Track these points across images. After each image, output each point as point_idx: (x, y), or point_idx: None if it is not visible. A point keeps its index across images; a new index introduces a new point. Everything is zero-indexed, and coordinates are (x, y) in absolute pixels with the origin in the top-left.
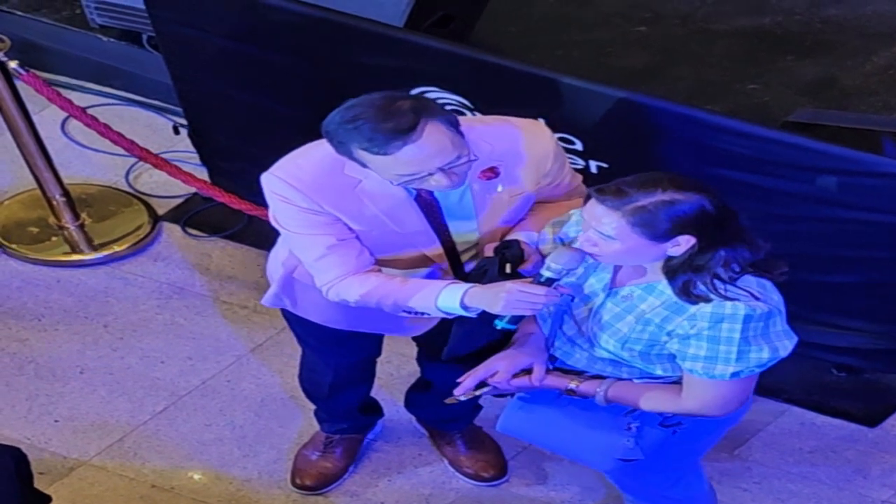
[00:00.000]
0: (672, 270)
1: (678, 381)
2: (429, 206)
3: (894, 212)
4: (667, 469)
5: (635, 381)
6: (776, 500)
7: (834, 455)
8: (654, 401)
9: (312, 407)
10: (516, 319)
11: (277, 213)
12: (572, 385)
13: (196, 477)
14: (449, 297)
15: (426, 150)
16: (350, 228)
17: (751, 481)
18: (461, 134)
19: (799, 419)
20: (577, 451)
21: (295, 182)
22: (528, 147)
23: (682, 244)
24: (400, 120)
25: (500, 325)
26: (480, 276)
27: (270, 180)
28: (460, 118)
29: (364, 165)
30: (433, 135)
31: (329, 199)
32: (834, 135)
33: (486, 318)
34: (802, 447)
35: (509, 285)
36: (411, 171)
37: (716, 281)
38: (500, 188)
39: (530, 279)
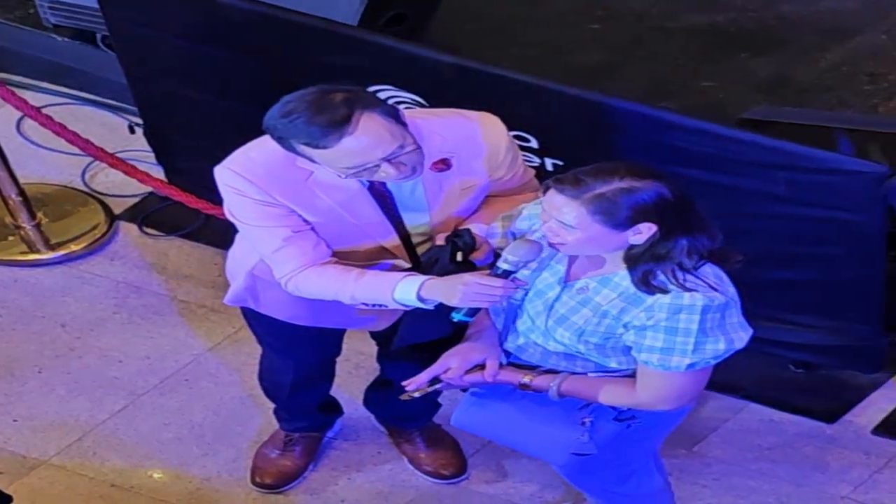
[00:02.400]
0: (633, 259)
1: (632, 375)
2: (382, 197)
3: (849, 209)
4: (620, 464)
5: (589, 375)
6: (735, 496)
7: (793, 451)
8: (608, 394)
9: (271, 405)
10: (473, 312)
11: (232, 206)
12: (526, 380)
13: (155, 476)
14: (406, 289)
15: (364, 141)
16: (305, 220)
17: (710, 478)
18: (402, 124)
19: (757, 416)
20: (532, 445)
21: (248, 174)
22: (480, 139)
23: (644, 232)
24: (333, 113)
25: (456, 317)
26: (432, 264)
27: (223, 173)
28: (412, 110)
29: (311, 160)
30: (369, 126)
31: (283, 191)
32: (789, 132)
33: (438, 308)
34: (761, 443)
35: (467, 278)
36: (355, 162)
37: (676, 271)
38: (452, 180)
39: (487, 272)
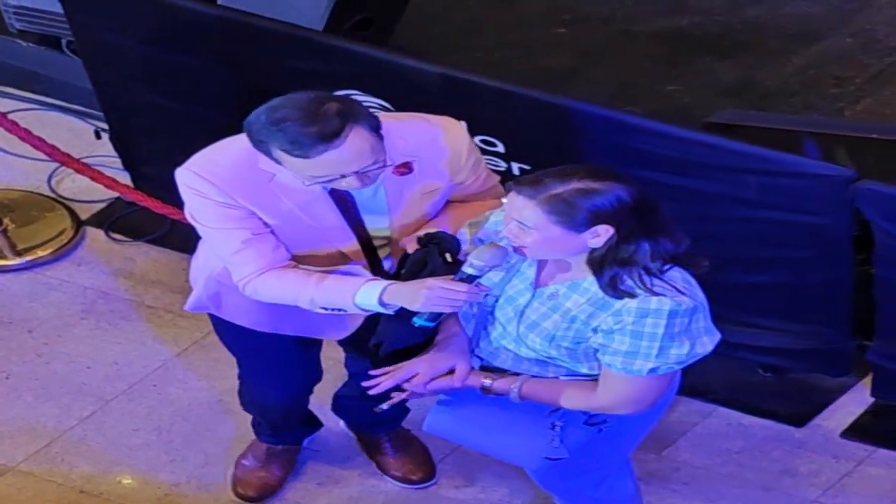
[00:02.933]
0: (598, 264)
1: (592, 378)
2: (343, 201)
3: (816, 212)
4: (592, 468)
5: (554, 378)
6: (705, 500)
7: (761, 455)
8: (568, 397)
9: (239, 411)
10: (435, 317)
11: (192, 208)
12: (486, 382)
13: (124, 482)
14: (367, 294)
15: (345, 155)
16: (265, 223)
17: (679, 482)
18: (381, 137)
19: (726, 420)
20: (505, 450)
21: (209, 176)
22: (442, 143)
23: (602, 234)
24: (326, 125)
25: (418, 322)
26: (419, 269)
27: (184, 175)
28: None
29: (278, 163)
30: (356, 141)
31: (243, 193)
32: (755, 136)
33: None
34: (730, 447)
35: (430, 282)
36: (326, 173)
37: (643, 275)
38: (414, 184)
39: (451, 276)
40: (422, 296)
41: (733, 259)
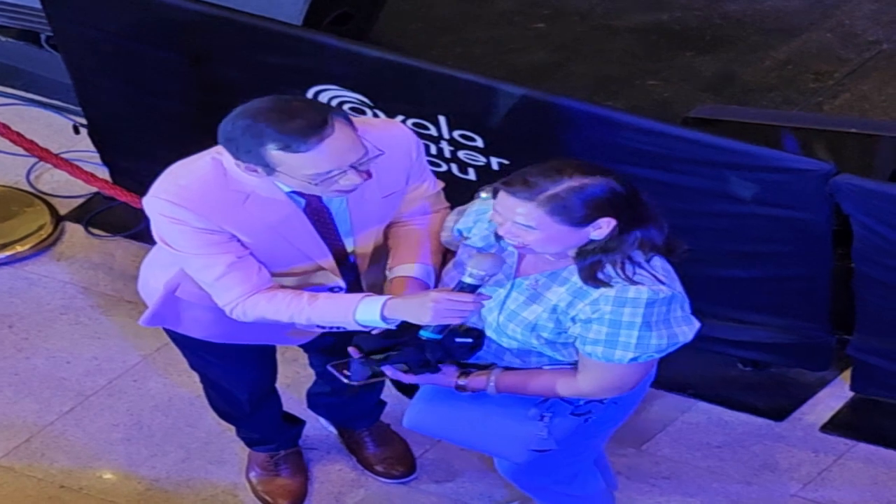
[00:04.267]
0: (583, 252)
1: (573, 365)
2: (318, 214)
3: (795, 207)
4: (570, 462)
5: (532, 368)
6: (684, 494)
7: (742, 449)
8: (547, 386)
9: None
10: (442, 329)
11: (169, 236)
12: (460, 382)
13: (105, 477)
14: (367, 310)
15: (342, 144)
16: (244, 245)
17: (659, 476)
18: (356, 129)
19: (706, 414)
20: (490, 443)
21: (184, 202)
22: (392, 145)
23: (604, 227)
24: (309, 117)
25: (425, 334)
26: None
27: (157, 204)
28: None
29: (272, 168)
30: (343, 130)
31: (221, 216)
32: (734, 130)
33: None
34: (710, 442)
35: (434, 295)
36: (329, 167)
37: (626, 263)
38: (374, 188)
39: (451, 287)
40: (429, 309)
41: (713, 253)
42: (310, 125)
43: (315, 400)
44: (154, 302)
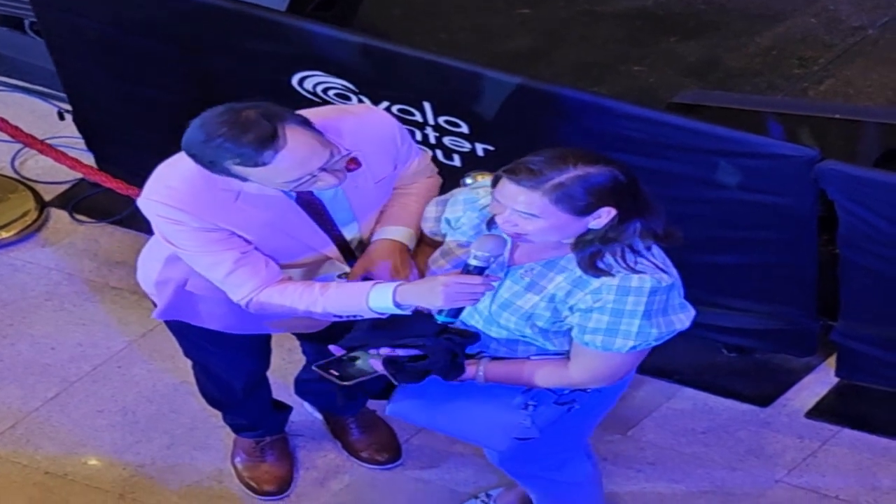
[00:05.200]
0: (582, 242)
1: (564, 355)
2: (312, 206)
3: (780, 193)
4: (557, 449)
5: (520, 358)
6: (670, 480)
7: (727, 435)
8: (537, 376)
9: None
10: (456, 312)
11: (172, 237)
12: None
13: (90, 463)
14: (380, 297)
15: (299, 153)
16: (247, 240)
17: (644, 462)
18: (320, 132)
19: (691, 400)
20: (473, 432)
21: (177, 204)
22: (376, 133)
23: (604, 216)
24: (258, 130)
25: (440, 319)
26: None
27: (151, 206)
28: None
29: (245, 179)
30: (297, 137)
31: (216, 215)
32: (719, 116)
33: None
34: (695, 427)
35: (443, 279)
36: (295, 176)
37: (626, 252)
38: (366, 176)
39: (459, 271)
40: (440, 293)
41: (697, 239)
42: (260, 139)
43: (303, 386)
44: (164, 297)
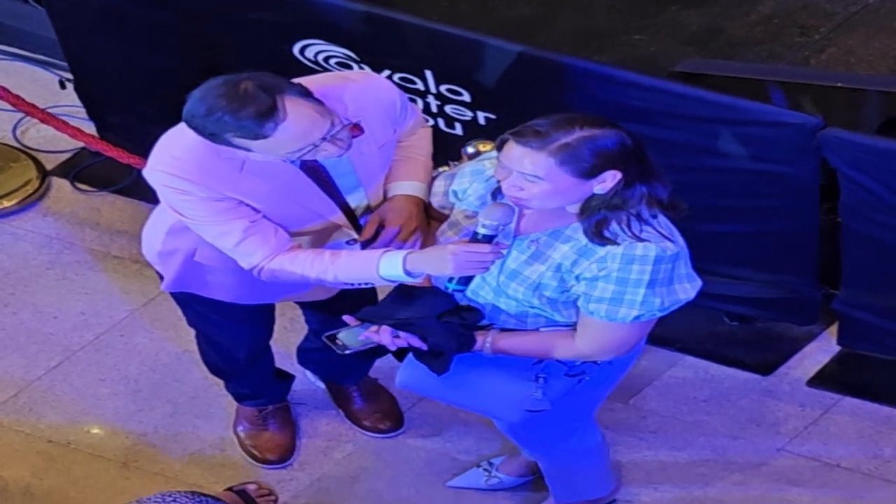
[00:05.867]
0: (588, 209)
1: (569, 326)
2: (316, 173)
3: (782, 161)
4: (566, 419)
5: (528, 329)
6: (672, 448)
7: (728, 403)
8: (544, 347)
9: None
10: (466, 280)
11: (179, 207)
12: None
13: (92, 431)
14: (390, 265)
15: (300, 125)
16: (254, 209)
17: (646, 430)
18: (320, 101)
19: (693, 368)
20: (483, 404)
21: (183, 174)
22: (375, 98)
23: (609, 180)
24: (257, 103)
25: (451, 287)
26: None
27: (157, 176)
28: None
29: (248, 150)
30: (297, 109)
31: (222, 185)
32: (720, 84)
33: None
34: (697, 396)
35: (452, 247)
36: (297, 146)
37: (632, 220)
38: (369, 142)
39: (467, 240)
40: (450, 262)
41: (699, 208)
42: (260, 112)
43: (306, 355)
44: (172, 268)
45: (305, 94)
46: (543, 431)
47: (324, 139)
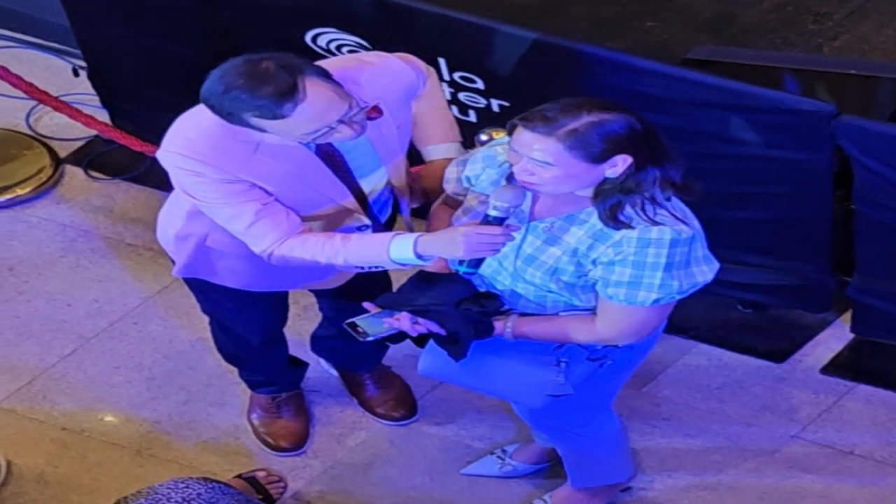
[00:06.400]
0: (601, 192)
1: (591, 311)
2: (331, 157)
3: (795, 148)
4: (587, 405)
5: (548, 314)
6: (685, 436)
7: (742, 391)
8: (564, 332)
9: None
10: (477, 263)
11: (190, 189)
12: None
13: (106, 419)
14: (401, 248)
15: (318, 106)
16: (267, 192)
17: (660, 418)
18: (339, 83)
19: (706, 356)
20: (506, 389)
21: (197, 155)
22: (394, 80)
23: (620, 164)
24: (278, 82)
25: (461, 269)
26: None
27: (170, 158)
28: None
29: (263, 130)
30: (317, 90)
31: (235, 167)
32: (734, 72)
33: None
34: (710, 384)
35: (463, 229)
36: (313, 128)
37: (646, 204)
38: (389, 123)
39: (478, 222)
40: (460, 244)
41: (713, 195)
42: (280, 91)
43: (320, 343)
44: (184, 253)
45: (325, 75)
46: (564, 417)
47: (340, 121)
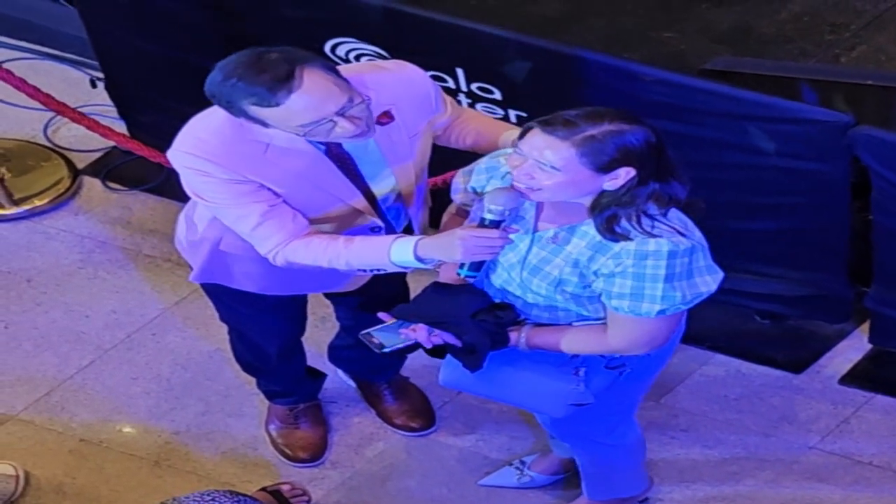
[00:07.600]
0: (598, 205)
1: (602, 321)
2: (342, 161)
3: (813, 158)
4: (609, 413)
5: (561, 324)
6: (703, 447)
7: (760, 402)
8: (577, 343)
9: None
10: (477, 266)
11: (199, 189)
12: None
13: (124, 430)
14: (401, 251)
15: (315, 95)
16: (275, 193)
17: (678, 429)
18: (344, 79)
19: (724, 367)
20: (529, 399)
21: (206, 154)
22: (409, 88)
23: (621, 177)
24: (275, 70)
25: (463, 273)
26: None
27: (180, 157)
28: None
29: (264, 123)
30: (315, 79)
31: (245, 167)
32: (751, 82)
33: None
34: (728, 394)
35: (460, 232)
36: (309, 119)
37: (643, 217)
38: (400, 130)
39: (475, 225)
40: (458, 247)
41: (730, 206)
42: (275, 78)
43: (337, 353)
44: (200, 258)
45: (329, 68)
46: (587, 426)
47: (339, 114)
